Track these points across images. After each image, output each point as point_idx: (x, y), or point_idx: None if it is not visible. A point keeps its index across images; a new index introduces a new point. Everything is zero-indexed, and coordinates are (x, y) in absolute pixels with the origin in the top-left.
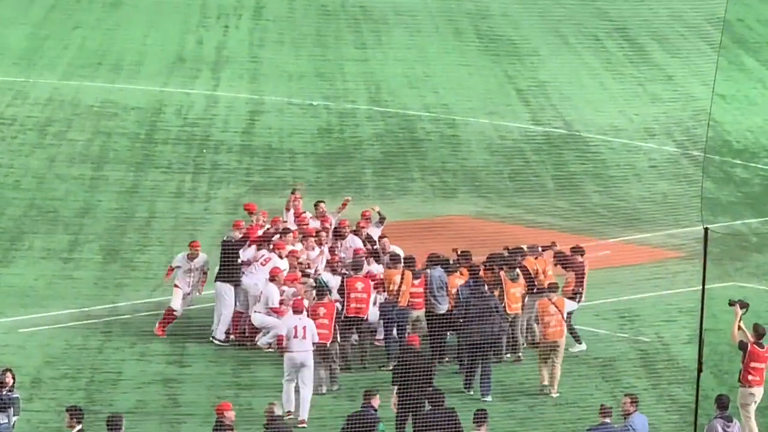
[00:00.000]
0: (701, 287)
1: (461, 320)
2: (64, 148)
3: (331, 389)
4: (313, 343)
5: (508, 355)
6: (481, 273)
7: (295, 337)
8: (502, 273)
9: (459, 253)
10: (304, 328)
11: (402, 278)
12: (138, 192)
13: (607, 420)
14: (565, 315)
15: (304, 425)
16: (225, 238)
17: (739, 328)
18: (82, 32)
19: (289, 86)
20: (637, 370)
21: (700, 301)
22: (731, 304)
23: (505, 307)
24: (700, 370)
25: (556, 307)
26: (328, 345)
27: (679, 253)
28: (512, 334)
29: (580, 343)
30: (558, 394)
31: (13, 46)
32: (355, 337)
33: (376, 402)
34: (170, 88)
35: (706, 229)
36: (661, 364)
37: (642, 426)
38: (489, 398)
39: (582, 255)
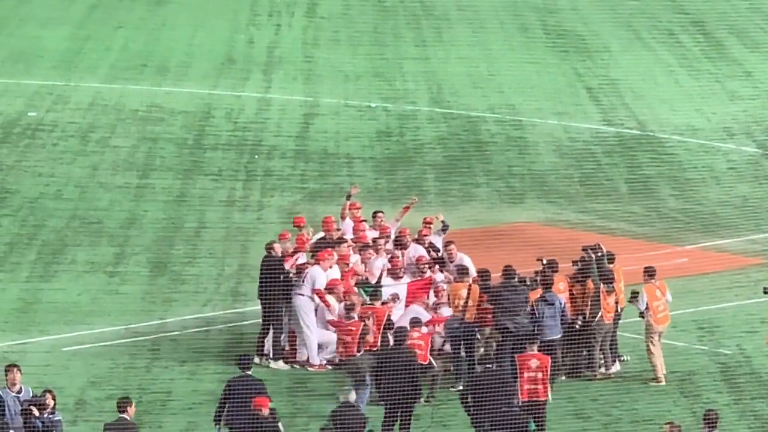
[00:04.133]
0: None
1: (494, 313)
2: (107, 156)
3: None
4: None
5: (603, 370)
6: (566, 286)
7: None
8: (602, 286)
9: (545, 262)
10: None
11: (469, 292)
12: (186, 201)
13: None
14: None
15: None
16: (266, 253)
17: None
18: (126, 32)
19: (345, 87)
20: (718, 385)
21: None
22: (766, 291)
23: (602, 317)
24: None
25: (661, 292)
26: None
27: (761, 259)
28: (609, 347)
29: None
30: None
31: (53, 47)
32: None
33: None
34: (219, 90)
35: None
36: (743, 378)
37: None
38: None
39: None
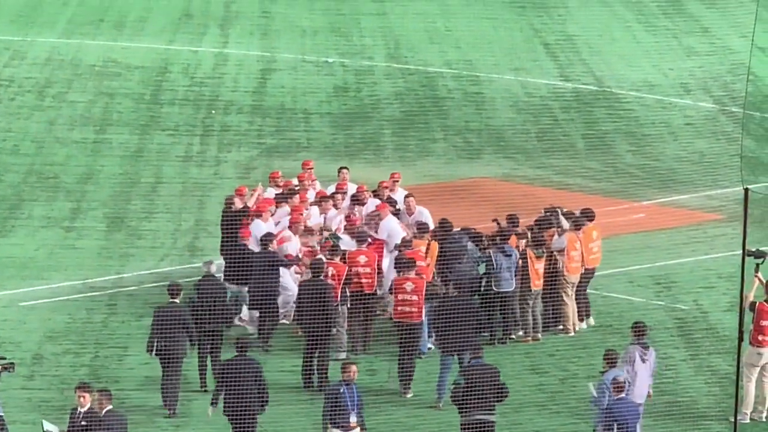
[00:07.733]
0: (742, 251)
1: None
2: (64, 111)
3: (337, 358)
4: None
5: (521, 333)
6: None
7: None
8: (528, 250)
9: (506, 218)
10: None
11: (428, 250)
12: (143, 156)
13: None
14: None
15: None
16: (225, 207)
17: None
18: None
19: (302, 42)
20: (675, 340)
21: (741, 266)
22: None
23: (529, 283)
24: (741, 339)
25: (581, 243)
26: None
27: (718, 215)
28: (527, 312)
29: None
30: (574, 334)
31: (10, 2)
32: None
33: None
34: (176, 45)
35: (746, 190)
36: (699, 333)
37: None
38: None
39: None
